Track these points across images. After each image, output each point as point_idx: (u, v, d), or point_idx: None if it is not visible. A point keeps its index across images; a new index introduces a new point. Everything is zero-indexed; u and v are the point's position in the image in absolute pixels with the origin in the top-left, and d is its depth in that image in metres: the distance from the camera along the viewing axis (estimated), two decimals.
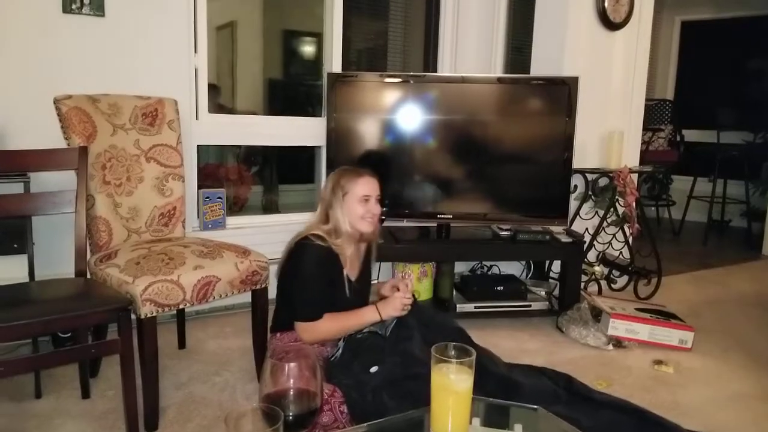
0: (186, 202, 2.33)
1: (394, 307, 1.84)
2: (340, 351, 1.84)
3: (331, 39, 3.12)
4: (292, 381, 0.93)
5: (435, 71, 3.52)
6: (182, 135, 2.35)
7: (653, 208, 5.53)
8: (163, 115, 2.29)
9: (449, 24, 3.48)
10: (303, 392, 0.94)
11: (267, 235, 2.26)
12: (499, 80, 3.01)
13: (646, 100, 4.53)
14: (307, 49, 4.22)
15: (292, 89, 4.22)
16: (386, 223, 2.63)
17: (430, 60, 3.58)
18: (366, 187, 1.91)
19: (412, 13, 4.91)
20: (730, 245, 4.91)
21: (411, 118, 2.83)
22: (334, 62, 3.13)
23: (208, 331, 2.66)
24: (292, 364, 0.93)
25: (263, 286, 2.07)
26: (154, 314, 1.77)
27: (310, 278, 1.84)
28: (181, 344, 2.46)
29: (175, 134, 2.30)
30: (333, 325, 1.84)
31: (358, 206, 1.90)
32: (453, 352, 1.04)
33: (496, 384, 1.80)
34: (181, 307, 1.85)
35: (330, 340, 1.88)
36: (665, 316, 2.72)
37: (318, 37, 3.26)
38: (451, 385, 1.00)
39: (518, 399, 1.77)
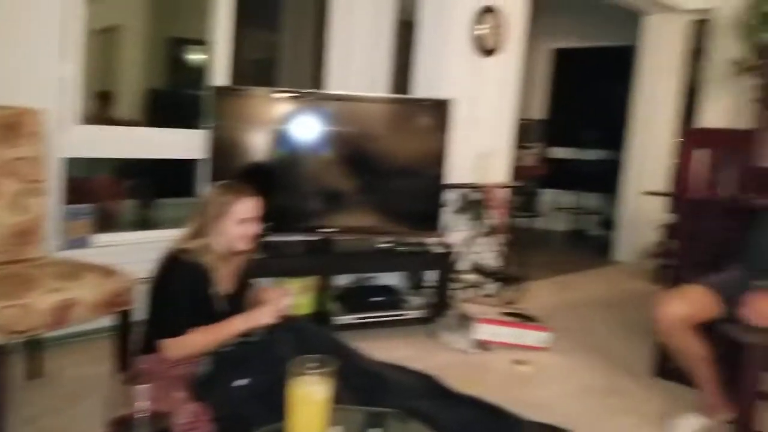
0: (48, 219, 2.19)
1: (266, 314, 1.83)
2: (205, 366, 1.81)
3: (218, 49, 3.10)
4: (143, 403, 0.89)
5: (324, 87, 3.62)
6: (49, 147, 2.22)
7: (524, 219, 6.01)
8: (25, 126, 2.13)
9: (337, 42, 3.60)
10: (157, 415, 0.91)
11: (140, 253, 2.15)
12: (382, 100, 3.19)
13: (521, 119, 4.91)
14: (194, 57, 4.16)
15: (175, 99, 4.13)
16: (270, 238, 2.66)
17: (320, 75, 3.68)
18: (245, 208, 1.89)
19: (303, 27, 4.99)
20: (587, 252, 5.45)
21: (297, 133, 2.91)
22: (220, 73, 3.13)
23: (68, 358, 2.46)
24: (143, 386, 0.90)
25: (129, 308, 1.99)
26: (2, 342, 1.67)
27: (175, 294, 1.81)
28: (36, 373, 2.27)
29: (37, 147, 2.15)
30: (201, 338, 1.80)
31: (236, 227, 1.88)
32: (312, 364, 1.13)
33: (363, 381, 1.92)
34: (34, 333, 1.75)
35: (199, 355, 1.83)
36: (526, 319, 3.01)
37: (205, 46, 3.19)
38: (308, 396, 1.09)
39: (385, 395, 1.91)
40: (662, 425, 2.21)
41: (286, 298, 1.93)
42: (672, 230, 2.64)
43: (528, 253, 5.06)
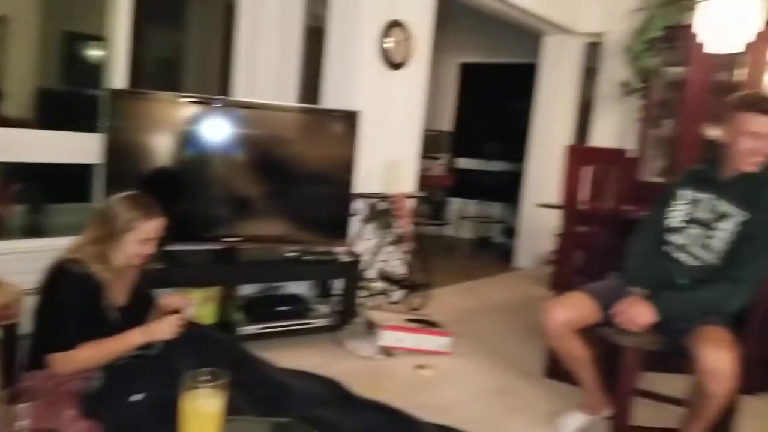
0: None
1: (164, 329, 1.80)
2: (97, 381, 1.75)
3: (117, 45, 2.95)
4: (26, 422, 0.87)
5: (231, 91, 3.57)
6: None
7: (433, 228, 6.20)
8: None
9: (245, 46, 3.56)
10: None
11: (28, 262, 2.02)
12: (291, 109, 3.19)
13: (429, 131, 5.04)
14: (91, 54, 3.95)
15: (70, 99, 3.91)
16: (172, 247, 2.59)
17: (227, 78, 3.62)
18: (152, 229, 1.85)
19: (210, 27, 4.88)
20: (492, 259, 5.70)
21: (200, 140, 2.84)
22: (120, 72, 2.98)
23: None
24: (26, 404, 0.89)
25: (15, 321, 1.88)
26: None
27: (63, 305, 1.74)
28: None
29: None
30: (92, 352, 1.74)
31: (136, 245, 1.84)
32: (204, 377, 1.13)
33: (268, 390, 1.93)
34: None
35: (91, 369, 1.77)
36: (429, 325, 3.11)
37: (103, 42, 3.02)
38: (200, 410, 1.09)
39: (289, 404, 1.93)
40: (552, 423, 2.36)
41: (188, 309, 1.91)
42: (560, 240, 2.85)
43: (435, 260, 5.22)
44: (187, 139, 2.82)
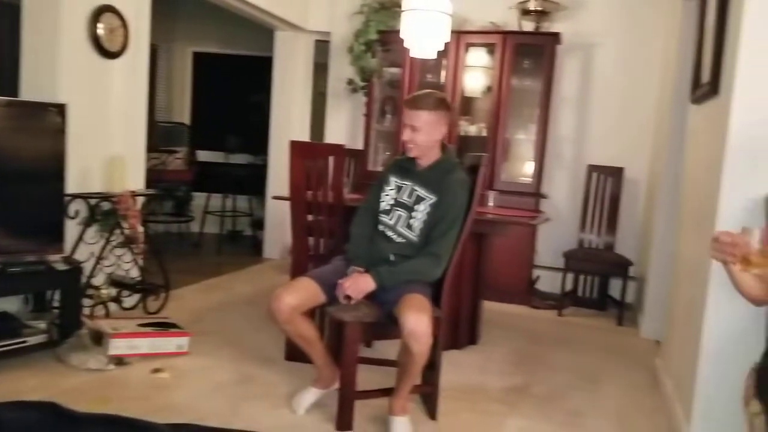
0: None
1: None
2: None
3: None
4: None
5: None
6: None
7: (176, 225, 5.96)
8: None
9: None
10: None
11: None
12: None
13: (165, 122, 4.81)
14: None
15: None
16: None
17: None
18: None
19: None
20: (241, 253, 5.70)
21: None
22: None
23: None
24: None
25: None
26: None
27: None
28: None
29: None
30: None
31: None
32: None
33: None
34: None
35: None
36: (166, 327, 3.01)
37: None
38: None
39: None
40: (289, 403, 2.49)
41: None
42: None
43: (180, 258, 5.06)
44: None
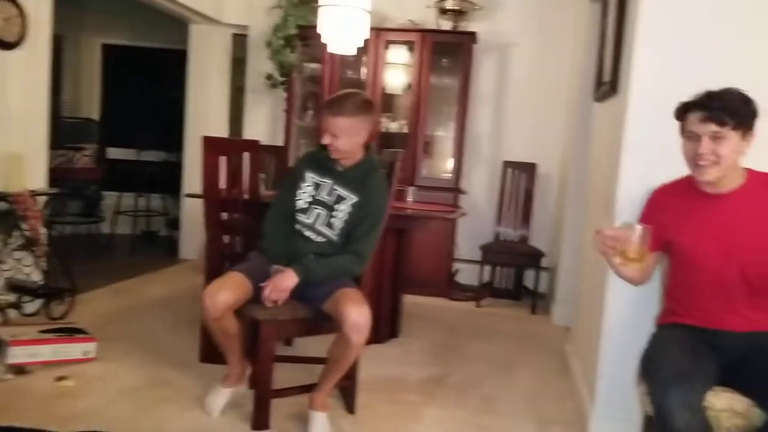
0: None
1: None
2: None
3: None
4: None
5: None
6: None
7: (85, 225, 5.65)
8: None
9: None
10: None
11: None
12: None
13: (71, 118, 4.53)
14: None
15: None
16: None
17: None
18: None
19: None
20: (156, 254, 5.48)
21: None
22: None
23: None
24: None
25: None
26: None
27: None
28: None
29: None
30: None
31: None
32: None
33: None
34: None
35: None
36: (71, 332, 2.84)
37: None
38: None
39: None
40: (202, 404, 2.42)
41: None
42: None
43: (89, 261, 4.80)
44: None
